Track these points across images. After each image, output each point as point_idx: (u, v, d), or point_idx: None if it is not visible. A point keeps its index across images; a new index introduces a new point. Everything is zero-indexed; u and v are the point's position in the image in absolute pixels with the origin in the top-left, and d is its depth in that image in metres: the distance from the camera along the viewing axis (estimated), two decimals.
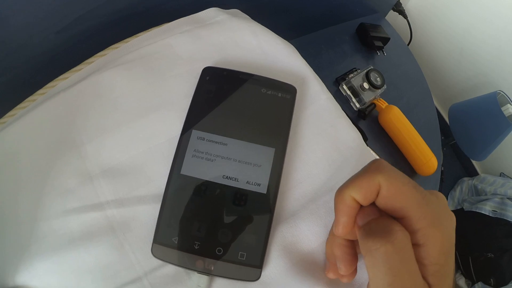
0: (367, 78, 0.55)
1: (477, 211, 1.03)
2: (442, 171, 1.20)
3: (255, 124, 0.25)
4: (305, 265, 0.25)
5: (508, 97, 0.85)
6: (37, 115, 0.26)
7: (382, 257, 0.16)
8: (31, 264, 0.23)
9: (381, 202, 0.19)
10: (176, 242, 0.22)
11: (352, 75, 0.56)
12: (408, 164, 0.57)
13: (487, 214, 1.01)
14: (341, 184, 0.20)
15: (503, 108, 0.85)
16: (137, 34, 0.31)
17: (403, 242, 0.17)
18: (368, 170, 0.19)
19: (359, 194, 0.19)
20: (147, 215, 0.24)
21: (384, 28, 0.68)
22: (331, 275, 0.23)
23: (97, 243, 0.23)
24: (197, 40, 0.29)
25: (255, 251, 0.22)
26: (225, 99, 0.25)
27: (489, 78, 1.01)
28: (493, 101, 0.83)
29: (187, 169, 0.23)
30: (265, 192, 0.23)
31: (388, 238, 0.17)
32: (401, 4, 0.84)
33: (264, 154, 0.24)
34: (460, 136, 0.95)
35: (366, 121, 0.56)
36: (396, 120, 0.54)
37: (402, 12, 0.84)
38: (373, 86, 0.55)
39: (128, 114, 0.26)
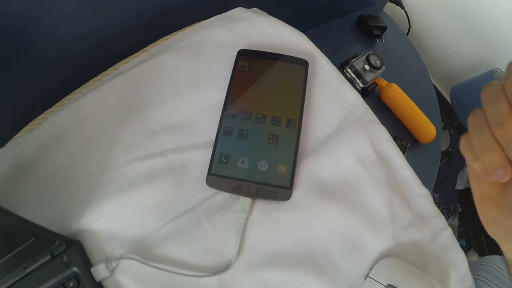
0: (368, 61, 0.63)
1: None
2: (449, 152, 1.26)
3: (278, 88, 0.33)
4: (325, 189, 0.32)
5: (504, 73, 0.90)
6: (106, 89, 0.34)
7: None
8: (97, 207, 0.30)
9: None
10: (226, 173, 0.30)
11: (354, 59, 0.64)
12: (410, 134, 0.65)
13: None
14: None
15: None
16: (182, 29, 0.40)
17: None
18: None
19: None
20: (201, 158, 0.32)
21: (381, 18, 0.76)
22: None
23: (159, 182, 0.31)
24: (230, 31, 0.38)
25: (287, 176, 0.30)
26: (256, 72, 0.34)
27: (486, 58, 1.06)
28: (490, 79, 0.89)
29: (230, 120, 0.32)
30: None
31: None
32: None
33: None
34: (463, 115, 1.01)
35: (370, 98, 0.64)
36: (396, 95, 0.62)
37: (399, 3, 0.91)
38: (373, 67, 0.63)
39: (181, 86, 0.34)
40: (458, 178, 1.24)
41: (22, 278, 0.30)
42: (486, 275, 0.40)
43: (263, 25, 0.39)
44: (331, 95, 0.36)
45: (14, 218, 0.25)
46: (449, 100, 1.07)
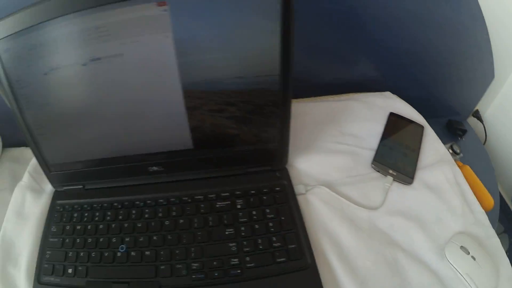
0: (451, 147, 0.93)
1: None
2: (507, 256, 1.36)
3: (408, 133, 0.66)
4: (428, 185, 0.58)
5: None
6: (324, 104, 0.69)
7: None
8: (308, 156, 0.59)
9: None
10: (382, 162, 0.61)
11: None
12: None
13: None
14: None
15: None
16: (360, 93, 0.75)
17: None
18: None
19: None
20: (368, 154, 0.62)
21: (464, 124, 1.07)
22: None
23: (345, 157, 0.60)
24: (384, 101, 0.72)
25: (411, 173, 0.60)
26: (398, 123, 0.67)
27: None
28: None
29: (385, 140, 0.64)
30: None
31: None
32: (478, 112, 1.21)
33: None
34: None
35: None
36: (467, 173, 0.88)
37: (479, 118, 1.20)
38: (454, 152, 0.92)
39: (360, 119, 0.67)
40: None
41: (239, 174, 0.51)
42: None
43: (401, 104, 0.73)
44: (433, 146, 0.66)
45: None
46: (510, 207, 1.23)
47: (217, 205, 0.49)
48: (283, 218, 0.47)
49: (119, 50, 0.46)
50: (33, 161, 0.65)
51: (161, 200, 0.52)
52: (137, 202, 0.54)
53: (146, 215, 0.52)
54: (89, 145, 0.54)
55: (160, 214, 0.51)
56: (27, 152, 0.72)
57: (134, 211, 0.53)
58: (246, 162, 0.53)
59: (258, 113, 0.49)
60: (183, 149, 0.51)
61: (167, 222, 0.49)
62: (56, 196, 0.60)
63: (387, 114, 0.69)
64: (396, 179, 0.59)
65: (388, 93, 0.75)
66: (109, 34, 0.45)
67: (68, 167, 0.57)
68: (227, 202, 0.49)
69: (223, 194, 0.50)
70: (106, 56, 0.46)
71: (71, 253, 0.51)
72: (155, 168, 0.53)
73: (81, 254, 0.50)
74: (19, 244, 0.54)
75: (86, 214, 0.55)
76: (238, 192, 0.50)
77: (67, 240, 0.52)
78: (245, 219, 0.47)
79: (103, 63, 0.47)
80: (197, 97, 0.48)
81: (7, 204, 0.60)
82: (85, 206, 0.56)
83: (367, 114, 0.69)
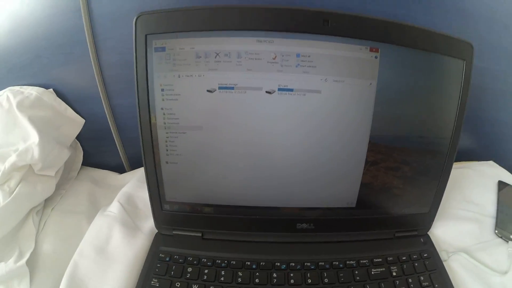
0: None
1: None
2: None
3: None
4: None
5: None
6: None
7: None
8: (442, 220, 0.53)
9: None
10: (505, 229, 0.56)
11: None
12: None
13: None
14: None
15: None
16: (475, 161, 0.73)
17: None
18: None
19: None
20: (489, 221, 0.58)
21: None
22: None
23: (470, 223, 0.56)
24: (491, 170, 0.69)
25: None
26: (507, 192, 0.65)
27: None
28: None
29: (501, 207, 0.62)
30: None
31: None
32: None
33: None
34: None
35: None
36: None
37: None
38: None
39: (477, 186, 0.65)
40: None
41: (388, 239, 0.48)
42: None
43: (504, 173, 0.70)
44: None
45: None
46: None
47: (373, 272, 0.45)
48: (436, 286, 0.45)
49: (318, 86, 0.39)
50: (125, 189, 0.53)
51: (308, 264, 0.45)
52: (277, 264, 0.45)
53: (292, 281, 0.43)
54: (228, 185, 0.45)
55: (309, 280, 0.43)
56: (110, 176, 0.59)
57: (275, 274, 0.44)
58: (395, 226, 0.50)
59: (424, 175, 0.47)
60: (344, 206, 0.46)
61: None
62: (159, 240, 0.48)
63: (495, 182, 0.68)
64: None
65: (491, 162, 0.74)
66: (312, 66, 0.38)
67: (187, 208, 0.46)
68: (382, 269, 0.45)
69: (376, 260, 0.46)
70: (302, 89, 0.39)
71: None
72: (304, 225, 0.46)
73: None
74: None
75: (206, 271, 0.44)
76: (390, 258, 0.47)
77: None
78: None
79: (293, 96, 0.40)
80: (379, 152, 0.44)
81: (82, 232, 0.48)
82: (204, 260, 0.45)
83: (480, 182, 0.68)
